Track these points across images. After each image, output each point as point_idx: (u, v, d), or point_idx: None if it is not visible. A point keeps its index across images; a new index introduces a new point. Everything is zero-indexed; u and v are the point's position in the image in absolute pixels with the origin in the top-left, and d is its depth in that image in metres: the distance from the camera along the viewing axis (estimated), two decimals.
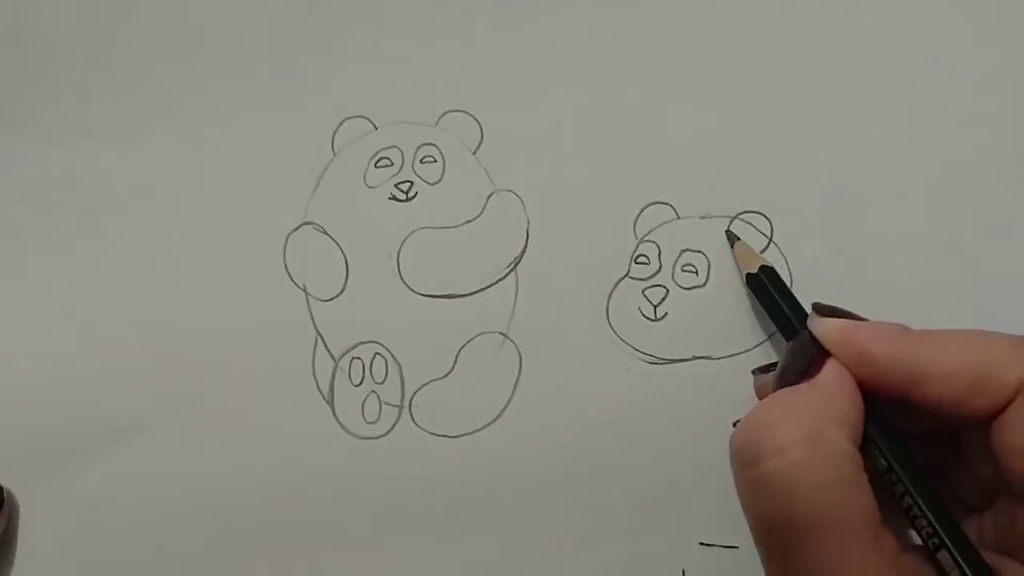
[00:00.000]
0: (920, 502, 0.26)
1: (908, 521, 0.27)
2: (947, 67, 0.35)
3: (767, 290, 0.32)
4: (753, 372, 0.31)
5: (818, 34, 0.35)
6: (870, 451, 0.27)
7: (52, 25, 0.37)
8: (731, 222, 0.34)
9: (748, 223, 0.34)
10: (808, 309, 0.30)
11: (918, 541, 0.27)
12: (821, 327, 0.28)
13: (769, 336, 0.34)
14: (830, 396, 0.27)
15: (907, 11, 0.35)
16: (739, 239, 0.33)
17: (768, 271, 0.32)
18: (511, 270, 0.35)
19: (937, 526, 0.26)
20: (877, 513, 0.25)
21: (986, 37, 0.35)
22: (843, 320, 0.29)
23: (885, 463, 0.27)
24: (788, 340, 0.30)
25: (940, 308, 0.33)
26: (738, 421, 0.27)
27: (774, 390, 0.28)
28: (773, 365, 0.30)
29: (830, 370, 0.27)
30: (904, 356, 0.27)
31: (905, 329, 0.28)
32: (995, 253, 0.33)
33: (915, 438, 0.28)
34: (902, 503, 0.27)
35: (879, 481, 0.26)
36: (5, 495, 0.34)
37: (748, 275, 0.33)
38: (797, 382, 0.28)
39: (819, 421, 0.26)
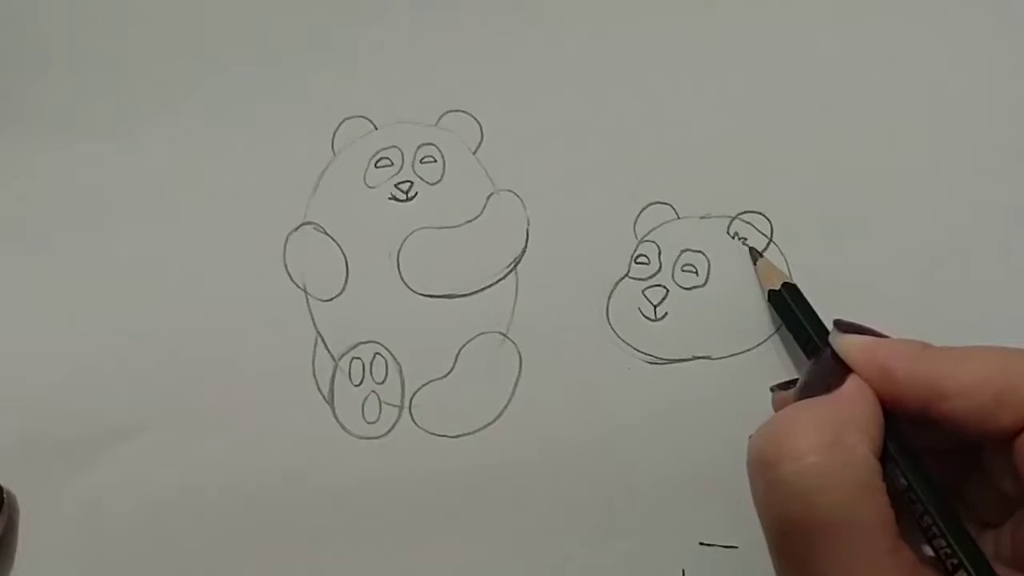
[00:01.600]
0: (939, 521, 0.26)
1: (926, 539, 0.26)
2: (947, 67, 0.35)
3: (789, 307, 0.32)
4: (772, 389, 0.31)
5: (818, 34, 0.35)
6: (890, 469, 0.27)
7: (52, 25, 0.37)
8: (731, 222, 0.34)
9: (748, 223, 0.34)
10: (828, 324, 0.30)
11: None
12: (843, 343, 0.28)
13: (769, 336, 0.34)
14: (851, 406, 0.27)
15: (908, 11, 0.35)
16: (762, 256, 0.33)
17: (791, 288, 0.32)
18: (511, 270, 0.35)
19: (956, 547, 0.26)
20: (895, 524, 0.25)
21: (987, 37, 0.35)
22: (865, 337, 0.29)
23: (905, 481, 0.27)
24: (809, 357, 0.31)
25: (940, 308, 0.33)
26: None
27: (795, 395, 0.29)
28: (793, 382, 0.30)
29: (852, 384, 0.27)
30: (926, 372, 0.27)
31: (926, 346, 0.28)
32: (995, 253, 0.34)
33: (934, 453, 0.28)
34: (921, 522, 0.27)
35: (899, 499, 0.26)
36: (5, 495, 0.34)
37: (770, 292, 0.33)
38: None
39: (839, 427, 0.26)
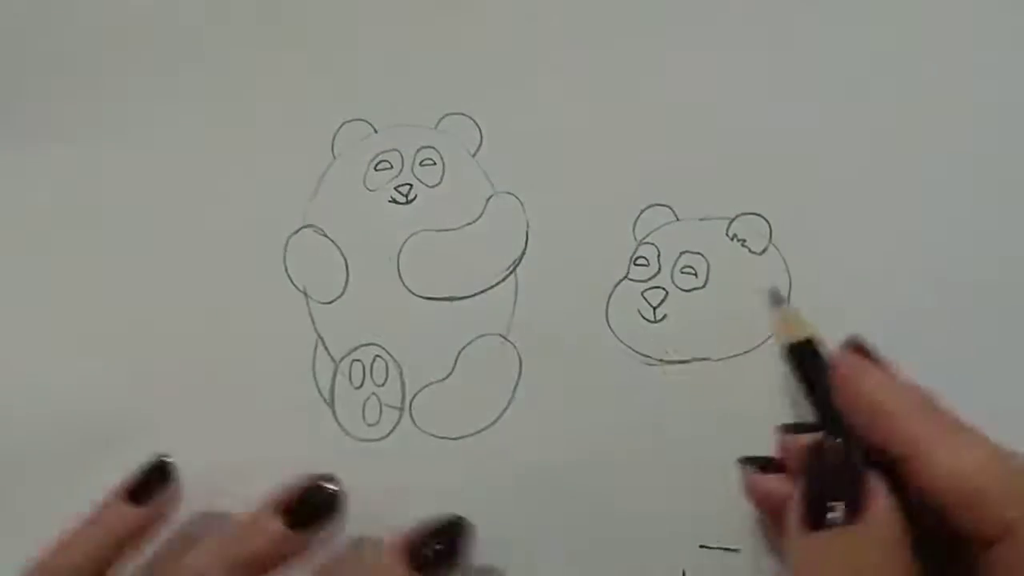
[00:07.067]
0: None
1: None
2: (948, 67, 0.35)
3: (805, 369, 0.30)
4: (743, 464, 0.31)
5: (817, 34, 0.35)
6: None
7: (51, 27, 0.37)
8: (730, 223, 0.34)
9: (747, 225, 0.34)
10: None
11: None
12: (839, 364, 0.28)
13: (768, 337, 0.34)
14: (887, 550, 0.24)
15: (908, 10, 0.35)
16: (786, 302, 0.32)
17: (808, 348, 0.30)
18: (511, 272, 0.35)
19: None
20: None
21: (987, 36, 0.35)
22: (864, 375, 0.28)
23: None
24: (818, 415, 0.30)
25: (940, 309, 0.33)
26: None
27: (801, 503, 0.25)
28: (803, 425, 0.30)
29: (882, 509, 0.24)
30: (920, 435, 0.25)
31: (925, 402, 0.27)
32: (994, 253, 0.33)
33: None
34: None
35: None
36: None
37: (790, 346, 0.31)
38: (835, 511, 0.24)
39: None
